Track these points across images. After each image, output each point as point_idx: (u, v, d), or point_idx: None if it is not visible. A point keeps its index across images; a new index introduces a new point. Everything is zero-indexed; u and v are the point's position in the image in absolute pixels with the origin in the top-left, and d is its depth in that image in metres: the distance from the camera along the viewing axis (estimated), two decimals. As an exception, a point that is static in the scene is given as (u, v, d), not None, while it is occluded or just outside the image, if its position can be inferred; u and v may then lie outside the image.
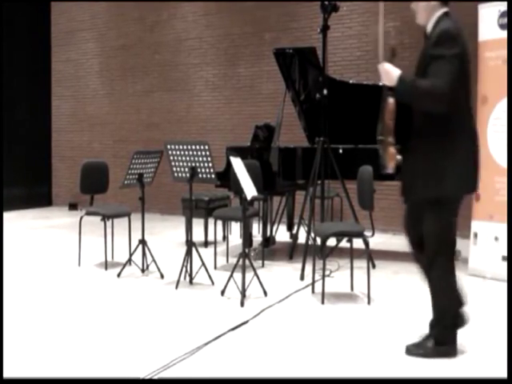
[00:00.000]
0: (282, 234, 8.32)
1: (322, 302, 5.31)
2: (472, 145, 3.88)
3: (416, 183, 3.97)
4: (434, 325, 4.10)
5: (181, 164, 5.84)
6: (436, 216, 3.90)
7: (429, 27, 3.99)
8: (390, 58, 4.10)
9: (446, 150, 3.82)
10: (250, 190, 5.35)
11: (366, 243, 5.42)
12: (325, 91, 6.68)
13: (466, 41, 3.87)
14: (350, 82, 7.67)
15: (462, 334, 4.15)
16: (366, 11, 9.76)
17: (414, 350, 4.07)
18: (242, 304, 5.21)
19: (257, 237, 8.22)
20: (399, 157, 4.06)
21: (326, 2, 6.59)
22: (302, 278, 6.21)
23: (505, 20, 6.12)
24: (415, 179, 3.98)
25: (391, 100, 4.01)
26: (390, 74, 3.95)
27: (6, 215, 10.52)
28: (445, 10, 3.95)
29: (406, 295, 5.64)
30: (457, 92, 3.69)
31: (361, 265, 5.69)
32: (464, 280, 6.15)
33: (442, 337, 4.04)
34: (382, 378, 3.69)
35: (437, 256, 3.96)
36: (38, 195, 12.69)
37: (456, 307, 4.05)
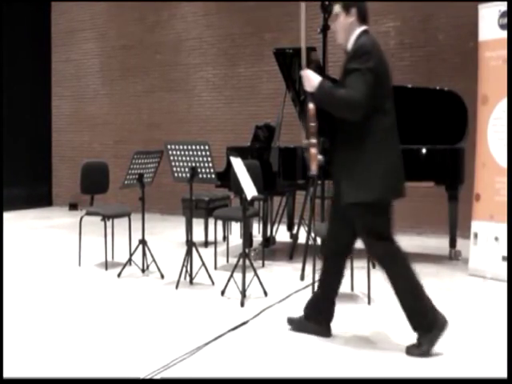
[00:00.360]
0: (282, 234, 8.31)
1: (323, 302, 5.30)
2: (395, 154, 4.11)
3: (341, 188, 4.16)
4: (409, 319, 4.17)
5: (181, 164, 5.84)
6: (364, 219, 4.14)
7: (349, 46, 4.18)
8: (308, 64, 4.34)
9: (368, 157, 4.01)
10: (250, 190, 5.34)
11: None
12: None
13: (383, 56, 4.11)
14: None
15: (462, 335, 4.14)
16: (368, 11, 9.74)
17: (415, 350, 4.09)
18: (243, 304, 5.21)
19: (257, 237, 8.22)
20: (320, 157, 4.26)
21: (327, 2, 6.59)
22: (302, 278, 6.21)
23: (505, 20, 6.11)
24: (340, 184, 4.18)
25: (311, 105, 4.20)
26: (311, 80, 4.16)
27: (7, 215, 10.53)
28: (363, 28, 4.17)
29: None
30: (374, 102, 3.92)
31: (361, 265, 5.69)
32: (464, 280, 6.19)
33: (423, 325, 4.13)
34: (382, 378, 3.69)
35: (381, 256, 4.25)
36: (38, 195, 12.70)
37: (423, 302, 4.18)
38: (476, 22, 6.60)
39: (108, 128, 12.25)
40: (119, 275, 6.31)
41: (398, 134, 4.18)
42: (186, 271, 5.94)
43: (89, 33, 12.42)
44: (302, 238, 7.01)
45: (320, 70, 7.04)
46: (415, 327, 4.13)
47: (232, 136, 10.35)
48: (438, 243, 8.17)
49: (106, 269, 6.61)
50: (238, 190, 5.67)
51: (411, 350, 4.08)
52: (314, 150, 4.19)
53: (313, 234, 6.39)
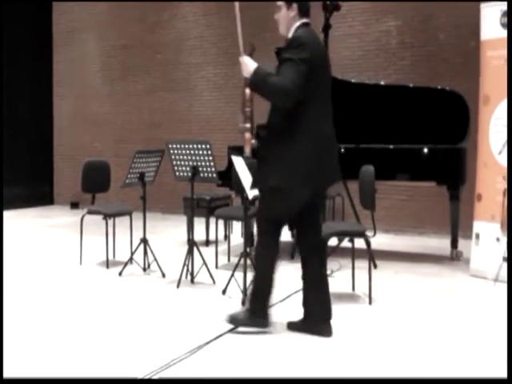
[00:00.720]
0: (283, 234, 8.28)
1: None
2: (314, 146, 4.20)
3: (259, 172, 4.44)
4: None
5: (182, 163, 5.84)
6: (267, 202, 4.44)
7: (289, 36, 4.39)
8: (250, 52, 4.55)
9: (286, 145, 4.20)
10: (251, 189, 5.34)
11: (368, 243, 5.42)
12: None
13: (320, 49, 4.35)
14: (352, 81, 7.67)
15: (463, 335, 4.14)
16: (367, 10, 9.75)
17: (233, 318, 4.57)
18: (244, 303, 5.21)
19: (258, 236, 8.20)
20: (254, 141, 4.49)
21: (328, 2, 6.59)
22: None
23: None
24: (259, 168, 4.45)
25: (247, 90, 4.45)
26: (247, 66, 4.30)
27: (8, 214, 10.54)
28: (304, 20, 4.39)
29: (408, 295, 5.64)
30: (303, 93, 4.07)
31: (362, 265, 5.69)
32: (465, 281, 6.19)
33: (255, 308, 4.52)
34: (382, 378, 3.69)
35: (259, 235, 4.50)
36: (39, 194, 12.71)
37: (269, 285, 4.51)
38: (477, 22, 6.59)
39: (109, 127, 12.25)
40: (120, 274, 6.31)
41: (330, 127, 4.38)
42: (188, 270, 5.94)
43: (90, 33, 12.42)
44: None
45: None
46: (249, 301, 4.57)
47: (233, 135, 10.32)
48: (439, 243, 8.17)
49: (108, 267, 6.61)
50: (240, 189, 5.66)
51: (236, 313, 4.61)
52: (248, 135, 4.48)
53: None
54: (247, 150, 4.45)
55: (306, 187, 4.26)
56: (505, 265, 5.85)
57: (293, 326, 4.61)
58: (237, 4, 4.66)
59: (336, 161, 4.46)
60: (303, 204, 4.35)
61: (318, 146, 4.23)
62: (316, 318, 4.52)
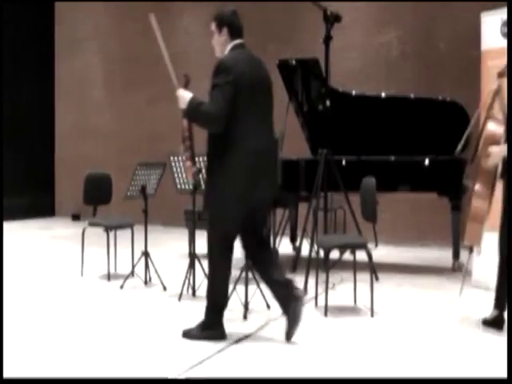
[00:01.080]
0: (284, 247, 8.30)
1: (325, 315, 5.29)
2: (246, 165, 4.36)
3: (204, 196, 4.64)
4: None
5: (184, 176, 5.84)
6: (210, 224, 4.58)
7: None
8: (185, 84, 4.90)
9: (220, 168, 4.42)
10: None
11: (369, 255, 5.40)
12: (328, 102, 6.69)
13: (248, 68, 4.52)
14: (353, 93, 7.67)
15: (465, 346, 4.12)
16: (368, 21, 9.77)
17: (189, 332, 4.67)
18: (245, 317, 5.20)
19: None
20: (194, 169, 4.78)
21: (329, 12, 6.60)
22: (305, 290, 6.19)
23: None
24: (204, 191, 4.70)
25: (184, 121, 4.74)
26: (183, 98, 4.57)
27: (9, 225, 10.54)
28: (236, 42, 4.64)
29: (410, 308, 5.62)
30: (232, 115, 4.29)
31: (364, 277, 5.67)
32: (467, 292, 6.16)
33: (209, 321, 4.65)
34: (382, 378, 3.68)
35: (211, 254, 4.61)
36: (41, 206, 12.72)
37: (223, 299, 4.68)
38: (478, 31, 6.60)
39: (111, 139, 12.26)
40: (122, 287, 6.30)
41: (265, 143, 4.50)
42: (189, 283, 5.93)
43: (92, 44, 12.46)
44: (304, 251, 7.00)
45: (322, 80, 7.05)
46: (204, 315, 4.66)
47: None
48: (440, 255, 8.16)
49: (109, 280, 6.60)
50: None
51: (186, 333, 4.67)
52: (188, 163, 4.77)
53: (316, 247, 6.39)
54: (189, 178, 5.05)
55: (241, 206, 4.43)
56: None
57: (286, 334, 4.60)
58: (152, 16, 5.21)
59: (273, 175, 4.68)
60: (241, 222, 4.52)
61: (251, 164, 4.38)
62: (286, 302, 4.61)
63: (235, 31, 4.64)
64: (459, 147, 5.75)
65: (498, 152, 4.86)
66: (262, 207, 4.78)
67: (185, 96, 4.56)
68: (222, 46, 4.66)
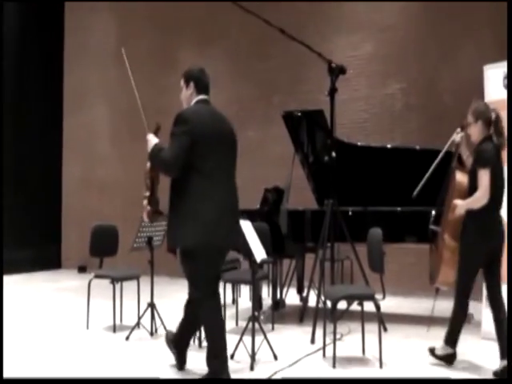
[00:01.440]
0: (291, 297, 8.26)
1: (334, 366, 5.24)
2: (211, 212, 4.62)
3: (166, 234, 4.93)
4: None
5: (190, 227, 5.83)
6: (183, 264, 4.80)
7: None
8: (155, 130, 5.19)
9: (180, 208, 4.72)
10: (259, 252, 5.34)
11: (377, 306, 5.37)
12: (333, 153, 6.73)
13: (207, 121, 4.78)
14: (359, 144, 7.72)
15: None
16: (373, 73, 9.89)
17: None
18: (252, 368, 5.15)
19: (266, 300, 8.16)
20: (149, 208, 5.12)
21: (334, 65, 6.69)
22: (312, 341, 6.15)
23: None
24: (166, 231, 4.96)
25: (148, 163, 5.11)
26: (150, 142, 4.94)
27: (15, 278, 10.57)
28: (201, 97, 4.98)
29: (419, 359, 5.57)
30: (189, 164, 4.62)
31: (372, 328, 5.63)
32: (477, 344, 6.10)
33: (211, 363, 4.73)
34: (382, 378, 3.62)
35: (197, 298, 4.83)
36: (47, 258, 12.69)
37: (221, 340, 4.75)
38: (481, 83, 6.68)
39: (118, 191, 12.31)
40: (127, 338, 6.26)
41: (227, 195, 4.85)
42: (195, 335, 5.89)
43: (100, 97, 12.60)
44: (312, 301, 6.97)
45: (328, 132, 7.11)
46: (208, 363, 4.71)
47: (240, 198, 10.34)
48: (449, 306, 8.07)
49: (115, 332, 6.57)
50: (247, 253, 5.66)
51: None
52: (145, 202, 5.13)
53: (323, 297, 6.36)
54: (145, 218, 5.21)
55: (210, 246, 4.65)
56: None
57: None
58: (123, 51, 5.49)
59: (234, 227, 4.94)
60: (212, 260, 4.81)
61: (215, 212, 4.64)
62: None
63: (201, 87, 5.00)
64: (415, 193, 6.26)
65: (463, 205, 5.24)
66: (223, 252, 5.05)
67: (152, 141, 4.93)
68: (188, 99, 5.03)
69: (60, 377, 4.96)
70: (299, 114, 7.78)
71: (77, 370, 5.19)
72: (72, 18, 13.17)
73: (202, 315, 4.83)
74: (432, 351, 5.50)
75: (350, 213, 7.11)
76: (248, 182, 10.70)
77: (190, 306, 5.09)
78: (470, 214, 5.19)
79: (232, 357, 5.46)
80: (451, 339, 5.41)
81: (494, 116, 5.28)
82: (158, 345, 6.09)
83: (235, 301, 7.58)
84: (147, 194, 5.15)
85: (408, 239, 7.22)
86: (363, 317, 5.63)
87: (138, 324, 6.45)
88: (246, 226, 5.50)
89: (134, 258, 6.77)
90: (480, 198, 5.08)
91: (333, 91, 6.71)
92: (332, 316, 5.43)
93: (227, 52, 11.24)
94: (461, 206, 5.26)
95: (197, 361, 5.45)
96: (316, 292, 6.81)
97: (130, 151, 12.14)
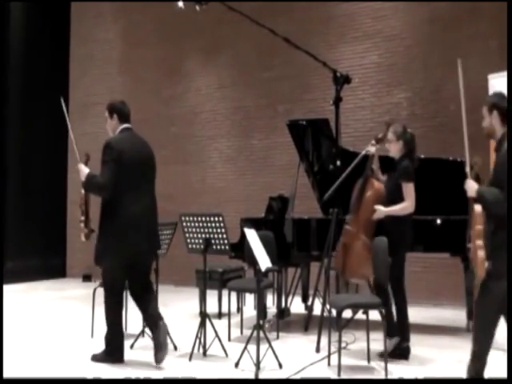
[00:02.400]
0: (296, 306, 8.25)
1: (339, 375, 5.22)
2: (124, 226, 5.43)
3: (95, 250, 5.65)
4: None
5: (195, 235, 5.87)
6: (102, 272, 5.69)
7: None
8: (85, 160, 6.07)
9: (105, 227, 5.51)
10: (264, 261, 5.34)
11: (382, 315, 5.36)
12: (338, 162, 6.74)
13: (133, 147, 5.65)
14: (362, 153, 7.70)
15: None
16: (378, 82, 9.90)
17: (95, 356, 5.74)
18: (257, 376, 5.14)
19: (271, 308, 8.15)
20: (86, 230, 6.21)
21: (339, 74, 6.70)
22: (317, 350, 6.14)
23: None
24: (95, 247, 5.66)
25: (82, 190, 6.09)
26: (82, 171, 5.70)
27: (21, 286, 10.58)
28: (124, 126, 5.78)
29: (424, 368, 5.55)
30: (117, 184, 5.40)
31: (377, 336, 5.61)
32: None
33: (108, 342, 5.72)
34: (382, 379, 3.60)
35: (108, 296, 5.66)
36: (52, 267, 12.69)
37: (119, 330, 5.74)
38: (486, 92, 6.67)
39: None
40: (132, 346, 6.26)
41: (142, 210, 5.54)
42: (200, 343, 5.89)
43: (105, 106, 12.60)
44: (317, 310, 6.96)
45: (333, 141, 7.12)
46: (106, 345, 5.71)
47: (246, 207, 10.38)
48: (454, 315, 8.07)
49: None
50: (252, 262, 5.67)
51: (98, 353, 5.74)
52: (82, 225, 6.28)
53: (328, 306, 6.35)
54: (82, 238, 6.42)
55: (118, 258, 5.48)
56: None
57: (155, 357, 5.57)
58: (67, 118, 6.69)
59: (148, 237, 5.62)
60: (122, 271, 5.57)
61: (127, 226, 5.42)
62: (155, 330, 5.59)
63: (123, 117, 5.77)
64: (326, 196, 6.72)
65: (386, 211, 5.86)
66: (142, 259, 5.69)
67: (84, 170, 5.68)
68: (113, 129, 5.77)
69: (60, 376, 4.96)
70: (304, 122, 7.78)
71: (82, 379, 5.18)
72: (78, 28, 13.22)
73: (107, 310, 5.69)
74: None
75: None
76: (253, 190, 10.76)
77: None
78: (394, 219, 5.85)
79: (237, 365, 5.46)
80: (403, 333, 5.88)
81: (410, 136, 6.07)
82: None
83: (240, 309, 7.58)
84: (83, 218, 6.07)
85: (414, 248, 7.19)
86: (368, 325, 5.62)
87: (142, 332, 6.45)
88: (251, 235, 5.51)
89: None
90: (408, 207, 5.84)
91: (338, 100, 6.73)
92: (337, 324, 5.42)
93: (232, 61, 11.28)
94: (384, 211, 5.87)
95: (201, 369, 5.45)
96: (321, 300, 6.80)
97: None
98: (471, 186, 4.62)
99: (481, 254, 4.58)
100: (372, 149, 6.32)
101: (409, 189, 5.87)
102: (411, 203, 5.85)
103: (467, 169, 4.84)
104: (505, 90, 6.34)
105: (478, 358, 4.55)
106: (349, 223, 6.33)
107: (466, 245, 6.27)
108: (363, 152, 6.47)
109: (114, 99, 5.99)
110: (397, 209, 5.85)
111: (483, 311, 4.50)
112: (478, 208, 4.73)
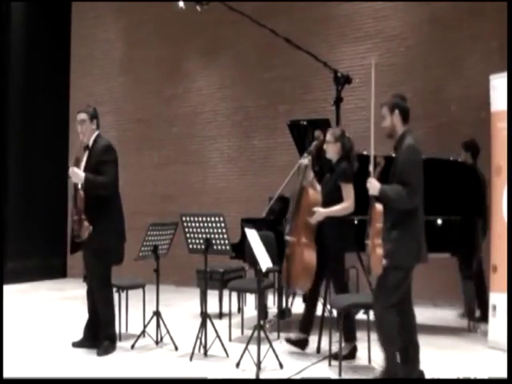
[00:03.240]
0: (297, 306, 8.24)
1: (340, 375, 5.22)
2: (120, 215, 6.38)
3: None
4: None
5: (196, 236, 5.87)
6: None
7: (90, 143, 6.23)
8: (75, 163, 6.11)
9: (99, 220, 6.01)
10: (264, 261, 5.34)
11: (383, 315, 5.35)
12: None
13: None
14: (364, 153, 7.70)
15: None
16: (378, 83, 9.88)
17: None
18: (258, 376, 5.14)
19: (272, 308, 8.15)
20: (90, 227, 6.01)
21: (339, 74, 6.70)
22: (318, 350, 6.13)
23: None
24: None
25: (81, 192, 5.97)
26: (77, 174, 5.96)
27: (22, 286, 10.58)
28: (99, 131, 6.34)
29: (425, 368, 5.53)
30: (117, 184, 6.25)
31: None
32: (484, 353, 6.07)
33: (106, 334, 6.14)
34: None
35: (102, 287, 6.39)
36: (52, 267, 12.68)
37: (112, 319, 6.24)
38: (488, 93, 6.67)
39: (123, 200, 12.23)
40: (133, 347, 6.26)
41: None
42: (201, 343, 5.89)
43: (106, 106, 12.61)
44: (318, 310, 6.94)
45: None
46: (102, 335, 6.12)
47: (246, 207, 10.37)
48: (454, 315, 8.07)
49: (120, 340, 6.55)
50: (253, 262, 5.66)
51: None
52: (86, 223, 6.01)
53: (329, 307, 6.35)
54: (85, 235, 6.15)
55: (122, 240, 6.27)
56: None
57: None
58: None
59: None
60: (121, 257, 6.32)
61: (121, 216, 6.34)
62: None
63: (99, 124, 6.40)
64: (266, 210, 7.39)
65: (326, 212, 5.95)
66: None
67: (79, 173, 5.94)
68: (90, 132, 6.22)
69: (60, 376, 4.97)
70: (305, 123, 7.78)
71: (83, 378, 5.19)
72: (78, 28, 13.20)
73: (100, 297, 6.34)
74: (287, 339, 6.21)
75: (356, 221, 7.09)
76: (253, 190, 10.76)
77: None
78: (333, 220, 5.93)
79: (238, 365, 5.46)
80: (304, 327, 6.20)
81: (348, 140, 6.38)
82: (163, 353, 6.10)
83: (241, 309, 7.57)
84: (84, 216, 6.00)
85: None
86: (369, 325, 5.61)
87: (143, 332, 6.45)
88: (252, 235, 5.51)
89: (139, 266, 6.79)
90: (348, 208, 5.96)
91: (338, 100, 6.74)
92: (338, 325, 5.42)
93: (233, 61, 11.27)
94: (323, 212, 5.94)
95: (202, 369, 5.45)
96: (322, 301, 6.79)
97: (135, 160, 12.15)
98: (374, 185, 4.86)
99: (379, 251, 4.69)
100: (305, 161, 6.35)
101: (348, 189, 5.99)
102: (351, 203, 5.97)
103: (370, 167, 4.96)
104: (506, 91, 6.37)
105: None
106: (288, 234, 6.30)
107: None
108: (297, 164, 6.52)
109: (94, 107, 6.54)
110: (338, 209, 5.94)
111: (383, 305, 4.74)
112: (379, 206, 4.85)
